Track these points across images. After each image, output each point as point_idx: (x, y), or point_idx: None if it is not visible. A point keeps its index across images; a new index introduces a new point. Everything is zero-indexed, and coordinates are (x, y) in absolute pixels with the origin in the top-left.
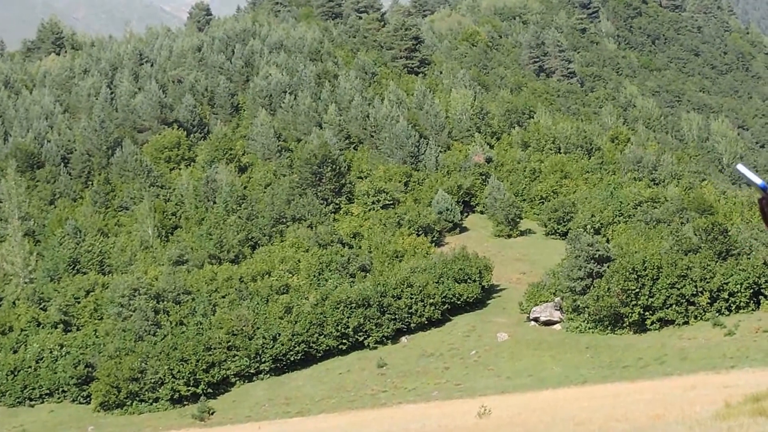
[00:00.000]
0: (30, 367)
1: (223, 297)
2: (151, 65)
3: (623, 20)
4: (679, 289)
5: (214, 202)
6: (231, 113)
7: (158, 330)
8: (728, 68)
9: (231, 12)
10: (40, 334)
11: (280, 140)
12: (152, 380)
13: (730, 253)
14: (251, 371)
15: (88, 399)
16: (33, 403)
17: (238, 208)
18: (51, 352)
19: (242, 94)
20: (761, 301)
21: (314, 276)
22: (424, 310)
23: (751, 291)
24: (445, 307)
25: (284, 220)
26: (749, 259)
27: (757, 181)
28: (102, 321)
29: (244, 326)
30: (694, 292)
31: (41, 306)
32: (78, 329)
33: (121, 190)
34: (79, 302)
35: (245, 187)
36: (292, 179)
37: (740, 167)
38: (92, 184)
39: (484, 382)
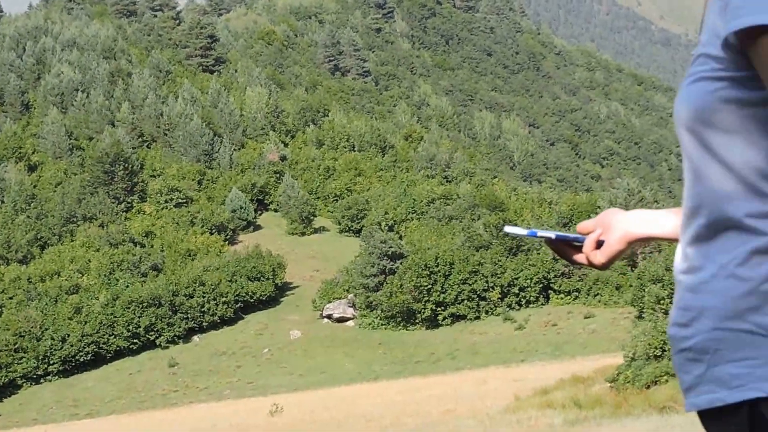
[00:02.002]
0: None
1: (11, 298)
2: None
3: (418, 20)
4: (470, 285)
5: (2, 201)
6: (21, 111)
7: None
8: (520, 68)
9: (22, 9)
10: None
11: (71, 139)
12: None
13: (521, 249)
14: (39, 373)
15: None
16: None
17: (28, 208)
18: None
19: (33, 92)
20: (550, 296)
21: (105, 276)
22: (216, 309)
23: (541, 286)
24: (238, 305)
25: (75, 220)
26: (539, 254)
27: (524, 232)
28: None
29: (32, 327)
30: (486, 288)
31: None
32: None
33: None
34: None
35: (35, 186)
36: (84, 178)
37: (507, 228)
38: None
39: (276, 380)
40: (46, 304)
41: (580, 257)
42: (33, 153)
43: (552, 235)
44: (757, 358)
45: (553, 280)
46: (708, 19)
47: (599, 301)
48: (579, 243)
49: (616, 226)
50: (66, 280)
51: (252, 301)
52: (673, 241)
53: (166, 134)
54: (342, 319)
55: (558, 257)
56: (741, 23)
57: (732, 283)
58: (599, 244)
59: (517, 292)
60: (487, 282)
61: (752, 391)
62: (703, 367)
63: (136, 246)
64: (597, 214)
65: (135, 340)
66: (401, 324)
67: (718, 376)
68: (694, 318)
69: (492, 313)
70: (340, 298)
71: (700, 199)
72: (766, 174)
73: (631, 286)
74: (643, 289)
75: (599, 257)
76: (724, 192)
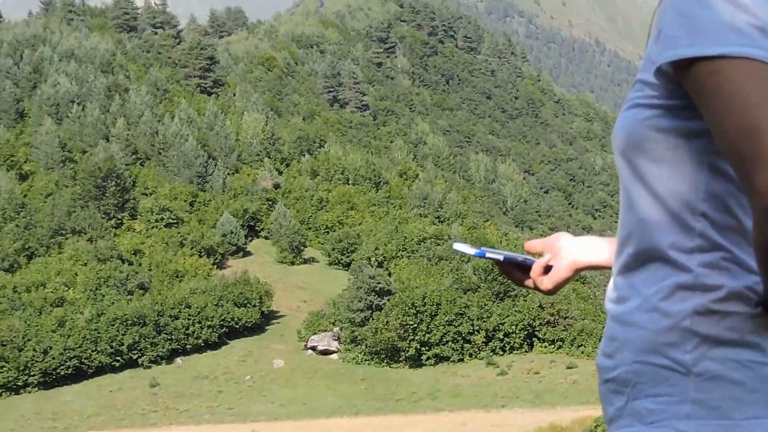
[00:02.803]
0: None
1: None
2: None
3: (419, 58)
4: (456, 327)
5: None
6: (15, 119)
7: None
8: (518, 113)
9: (22, 16)
10: None
11: (64, 150)
12: None
13: (508, 294)
14: (19, 383)
15: None
16: None
17: (16, 216)
18: None
19: (28, 100)
20: (534, 343)
21: (91, 290)
22: (201, 332)
23: (526, 333)
24: (223, 330)
25: (64, 232)
26: (525, 301)
27: (472, 251)
28: None
29: (14, 337)
30: (471, 331)
31: None
32: None
33: None
34: None
35: (25, 196)
36: (75, 191)
37: (456, 246)
38: None
39: (257, 408)
40: (30, 314)
41: (528, 281)
42: (25, 162)
43: (500, 257)
44: (672, 395)
45: (538, 328)
46: (647, 44)
47: (582, 352)
48: (527, 265)
49: (565, 253)
50: (51, 292)
51: (237, 327)
52: None
53: (160, 153)
54: (326, 352)
55: (505, 277)
56: (673, 54)
57: (654, 317)
58: (547, 269)
59: (501, 337)
60: (472, 325)
61: (665, 428)
62: (624, 399)
63: (123, 263)
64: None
65: (117, 358)
66: (385, 361)
67: (636, 410)
68: (617, 349)
69: (475, 357)
70: (325, 331)
71: (630, 228)
72: (693, 208)
73: None
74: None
75: (546, 283)
76: (652, 222)
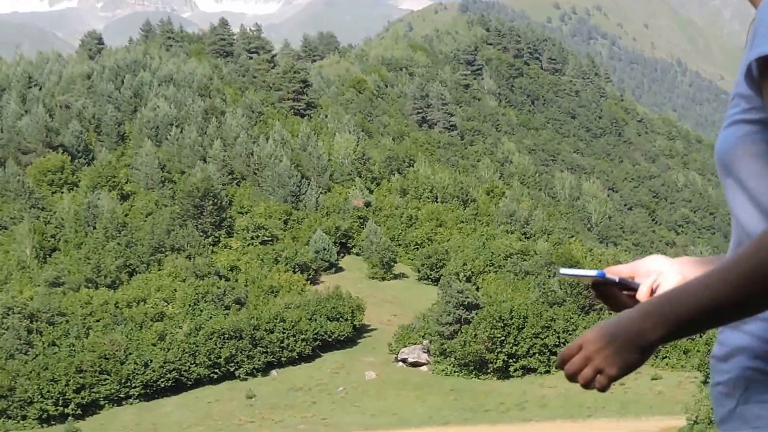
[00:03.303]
0: None
1: (98, 321)
2: (40, 89)
3: (505, 79)
4: (542, 339)
5: (94, 227)
6: (117, 141)
7: (30, 349)
8: (602, 132)
9: (123, 43)
10: None
11: (164, 171)
12: (21, 398)
13: (593, 308)
14: (121, 395)
15: None
16: None
17: (118, 235)
18: None
19: (129, 123)
20: None
21: (189, 306)
22: (295, 345)
23: None
24: (316, 343)
25: (163, 250)
26: (610, 314)
27: (591, 273)
28: None
29: (117, 351)
30: (557, 343)
31: None
32: None
33: (1, 210)
34: None
35: (126, 215)
36: (174, 210)
37: (563, 271)
38: None
39: (349, 419)
40: (132, 329)
41: (632, 303)
42: (126, 183)
43: (615, 278)
44: None
45: None
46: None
47: (666, 364)
48: (631, 289)
49: (672, 273)
50: (152, 307)
51: (330, 340)
52: None
53: (255, 173)
54: (416, 364)
55: (600, 300)
56: (758, 52)
57: (765, 326)
58: (652, 291)
59: None
60: (558, 338)
61: None
62: (734, 402)
63: (221, 279)
64: None
65: (215, 370)
66: (473, 372)
67: (744, 414)
68: (730, 354)
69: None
70: (415, 344)
71: (739, 242)
72: None
73: (698, 351)
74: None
75: None
76: (757, 234)
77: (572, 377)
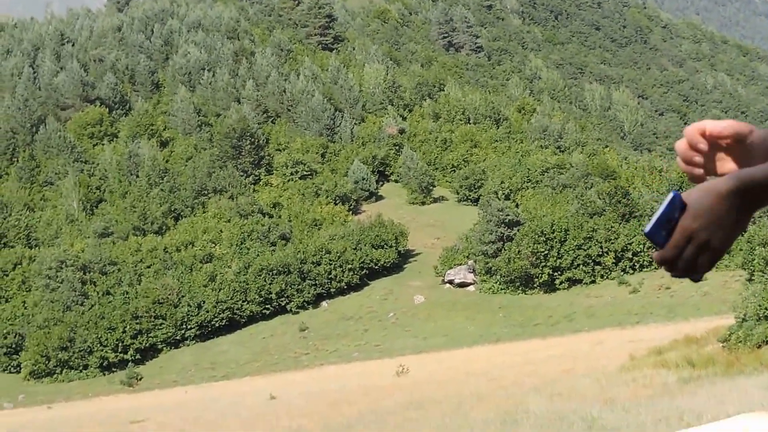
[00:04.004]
0: None
1: (148, 267)
2: (73, 45)
3: None
4: (585, 250)
5: (137, 176)
6: (151, 90)
7: (86, 300)
8: (627, 41)
9: None
10: None
11: (199, 115)
12: (81, 348)
13: (633, 215)
14: (177, 338)
15: (19, 368)
16: None
17: (161, 182)
18: None
19: (162, 71)
20: None
21: (236, 245)
22: (343, 276)
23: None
24: (363, 272)
25: (206, 192)
26: (650, 220)
27: (667, 200)
28: (30, 293)
29: (170, 295)
30: (600, 253)
31: None
32: (7, 301)
33: (45, 166)
34: (7, 275)
35: (167, 161)
36: (213, 153)
37: (648, 228)
38: (17, 160)
39: (401, 343)
40: (182, 272)
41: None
42: (164, 130)
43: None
44: None
45: None
46: None
47: None
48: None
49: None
50: (200, 249)
51: (376, 267)
52: None
53: (289, 110)
54: (463, 284)
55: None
56: None
57: None
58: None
59: (630, 256)
60: (601, 247)
61: None
62: None
63: (264, 216)
64: None
65: (267, 306)
66: (520, 288)
67: None
68: None
69: (607, 277)
70: (460, 264)
71: None
72: None
73: (741, 249)
74: (753, 252)
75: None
76: None
77: None
